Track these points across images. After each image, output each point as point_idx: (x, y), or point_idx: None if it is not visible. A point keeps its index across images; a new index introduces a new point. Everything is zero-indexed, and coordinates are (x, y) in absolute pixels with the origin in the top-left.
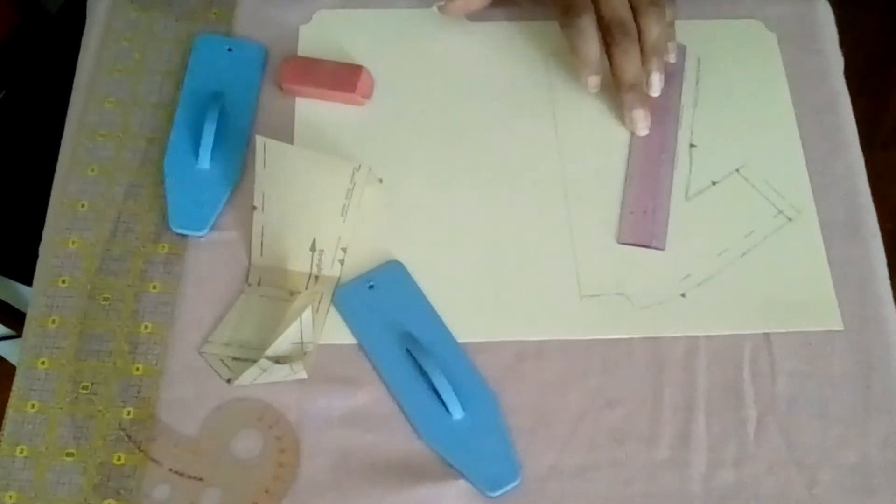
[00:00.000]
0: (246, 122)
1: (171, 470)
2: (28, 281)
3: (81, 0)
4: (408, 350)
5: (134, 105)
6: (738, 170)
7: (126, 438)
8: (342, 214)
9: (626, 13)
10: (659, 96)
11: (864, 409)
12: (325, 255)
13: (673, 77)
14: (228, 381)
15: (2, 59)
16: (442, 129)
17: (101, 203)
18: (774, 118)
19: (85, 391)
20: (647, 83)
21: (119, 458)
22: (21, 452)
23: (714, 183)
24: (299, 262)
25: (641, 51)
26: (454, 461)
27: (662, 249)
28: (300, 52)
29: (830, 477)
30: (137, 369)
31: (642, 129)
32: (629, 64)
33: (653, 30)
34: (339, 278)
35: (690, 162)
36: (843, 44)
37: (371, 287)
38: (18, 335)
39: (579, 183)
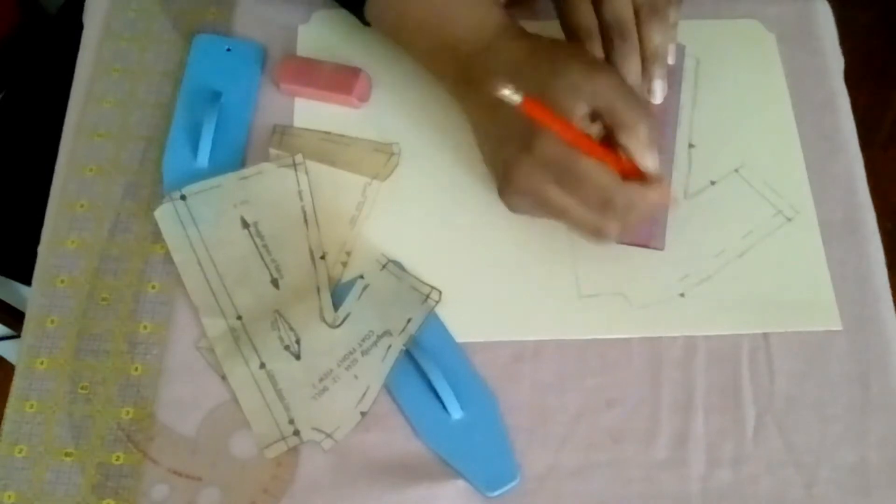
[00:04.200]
0: (245, 122)
1: (169, 469)
2: (28, 281)
3: (81, 0)
4: (407, 350)
5: (133, 105)
6: (736, 170)
7: (125, 438)
8: (351, 223)
9: (627, 16)
10: None
11: (863, 409)
12: (329, 258)
13: (672, 77)
14: (223, 377)
15: (2, 59)
16: (439, 131)
17: (99, 203)
18: (773, 118)
19: (84, 391)
20: (650, 90)
21: (118, 458)
22: (20, 452)
23: (713, 183)
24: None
25: (643, 58)
26: (453, 461)
27: (661, 249)
28: (299, 52)
29: (829, 476)
30: (136, 369)
31: None
32: (628, 69)
33: (654, 37)
34: (340, 279)
35: (689, 162)
36: (843, 43)
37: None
38: (18, 335)
39: None
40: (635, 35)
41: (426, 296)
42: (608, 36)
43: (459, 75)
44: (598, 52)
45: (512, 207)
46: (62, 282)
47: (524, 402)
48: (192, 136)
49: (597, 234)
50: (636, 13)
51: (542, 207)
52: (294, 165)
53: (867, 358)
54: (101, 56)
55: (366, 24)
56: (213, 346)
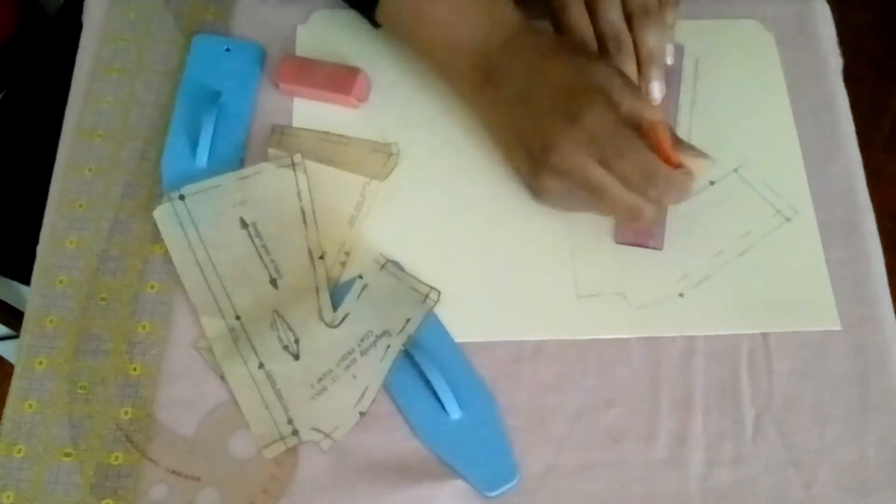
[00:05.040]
0: (243, 122)
1: (168, 470)
2: (28, 281)
3: (80, 1)
4: (406, 350)
5: (132, 105)
6: (735, 170)
7: (123, 438)
8: (350, 223)
9: (621, 26)
10: None
11: (862, 409)
12: (328, 258)
13: (670, 77)
14: (222, 377)
15: (2, 60)
16: (437, 131)
17: (98, 203)
18: (772, 118)
19: (82, 391)
20: (647, 91)
21: (116, 458)
22: (19, 452)
23: (712, 183)
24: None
25: (638, 61)
26: (452, 461)
27: (660, 249)
28: (298, 53)
29: (828, 476)
30: (135, 369)
31: None
32: None
33: (648, 40)
34: (338, 279)
35: None
36: (842, 43)
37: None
38: (18, 335)
39: None
40: (630, 42)
41: (425, 296)
42: (603, 45)
43: (475, 73)
44: (585, 18)
45: (543, 192)
46: (61, 282)
47: (523, 402)
48: (191, 136)
49: (635, 213)
50: (629, 17)
51: (580, 188)
52: (293, 165)
53: (866, 358)
54: (101, 56)
55: (375, 25)
56: (211, 347)
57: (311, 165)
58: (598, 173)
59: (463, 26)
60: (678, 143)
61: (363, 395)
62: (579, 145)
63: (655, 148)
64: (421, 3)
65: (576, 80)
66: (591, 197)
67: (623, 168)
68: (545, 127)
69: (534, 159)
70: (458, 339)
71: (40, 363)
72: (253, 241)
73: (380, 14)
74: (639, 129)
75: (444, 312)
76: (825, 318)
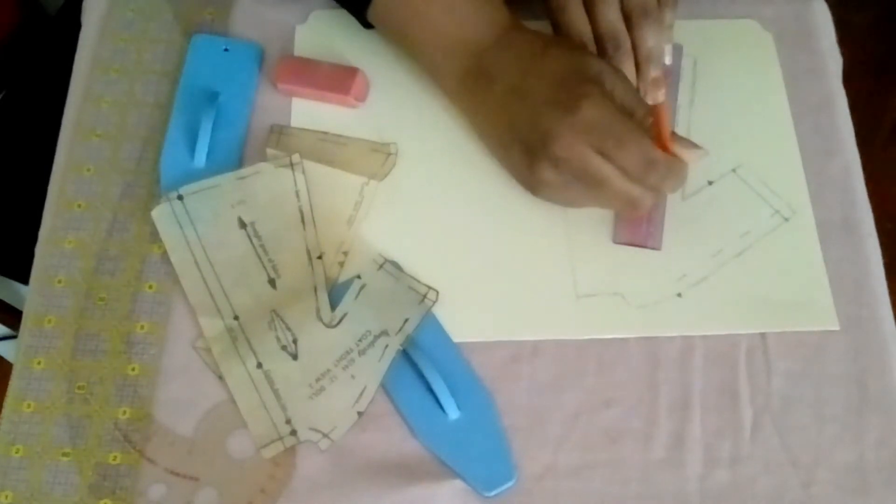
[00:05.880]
0: (242, 122)
1: (166, 469)
2: (27, 280)
3: (80, 0)
4: (404, 350)
5: (130, 105)
6: (734, 170)
7: (122, 438)
8: (348, 223)
9: (619, 26)
10: None
11: (860, 409)
12: (326, 258)
13: (669, 78)
14: (220, 377)
15: (2, 60)
16: (436, 131)
17: (97, 203)
18: (771, 118)
19: (81, 391)
20: (645, 91)
21: (115, 458)
22: (17, 452)
23: (710, 183)
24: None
25: (637, 61)
26: (450, 461)
27: (658, 249)
28: (297, 53)
29: (826, 476)
30: (133, 369)
31: None
32: None
33: (647, 40)
34: (337, 279)
35: None
36: (842, 43)
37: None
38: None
39: None
40: (628, 42)
41: (423, 296)
42: (602, 45)
43: (467, 73)
44: (583, 18)
45: (541, 185)
46: (59, 281)
47: (521, 401)
48: (189, 136)
49: (633, 203)
50: (628, 17)
51: (578, 179)
52: (291, 165)
53: (864, 358)
54: (99, 56)
55: (366, 26)
56: (210, 346)
57: (310, 165)
58: (598, 163)
59: (456, 26)
60: (671, 134)
61: (361, 394)
62: (579, 135)
63: (655, 131)
64: (414, 3)
65: (569, 72)
66: (589, 188)
67: (622, 156)
68: (543, 119)
69: (531, 152)
70: (456, 339)
71: (38, 363)
72: (251, 241)
73: (372, 14)
74: (633, 119)
75: (443, 312)
76: (823, 318)
